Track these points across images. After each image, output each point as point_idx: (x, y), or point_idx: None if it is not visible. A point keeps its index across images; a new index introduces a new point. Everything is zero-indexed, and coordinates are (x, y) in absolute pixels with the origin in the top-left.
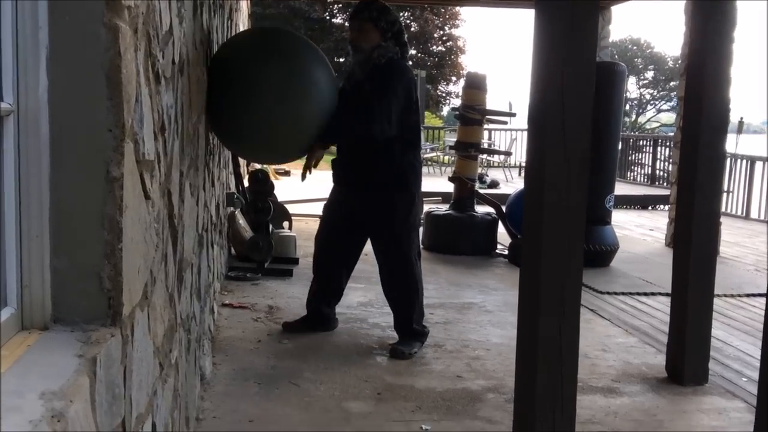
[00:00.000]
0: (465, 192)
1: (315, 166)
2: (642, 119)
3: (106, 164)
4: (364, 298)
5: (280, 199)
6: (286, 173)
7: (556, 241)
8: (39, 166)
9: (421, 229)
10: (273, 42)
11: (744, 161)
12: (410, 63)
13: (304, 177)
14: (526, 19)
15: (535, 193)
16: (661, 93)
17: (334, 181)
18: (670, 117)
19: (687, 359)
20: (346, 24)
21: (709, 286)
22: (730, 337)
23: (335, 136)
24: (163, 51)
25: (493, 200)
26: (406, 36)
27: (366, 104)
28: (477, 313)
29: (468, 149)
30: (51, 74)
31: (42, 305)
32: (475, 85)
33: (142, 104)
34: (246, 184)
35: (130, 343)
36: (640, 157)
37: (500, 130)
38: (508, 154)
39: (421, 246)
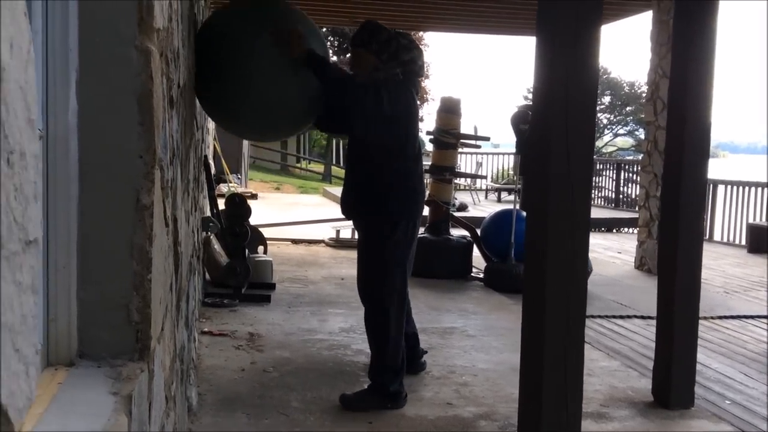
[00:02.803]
0: (440, 215)
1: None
2: (599, 143)
3: (136, 192)
4: (345, 324)
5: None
6: (254, 196)
7: (560, 262)
8: (67, 194)
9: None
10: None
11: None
12: (420, 78)
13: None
14: (488, 43)
15: (539, 215)
16: (618, 118)
17: None
18: (626, 141)
19: (673, 383)
20: None
21: (694, 310)
22: (709, 359)
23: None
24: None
25: (468, 223)
26: (410, 54)
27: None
28: (460, 338)
29: (443, 173)
30: (81, 98)
31: (68, 340)
32: (450, 110)
33: (166, 129)
34: (221, 207)
35: (153, 378)
36: (599, 180)
37: (468, 153)
38: (482, 177)
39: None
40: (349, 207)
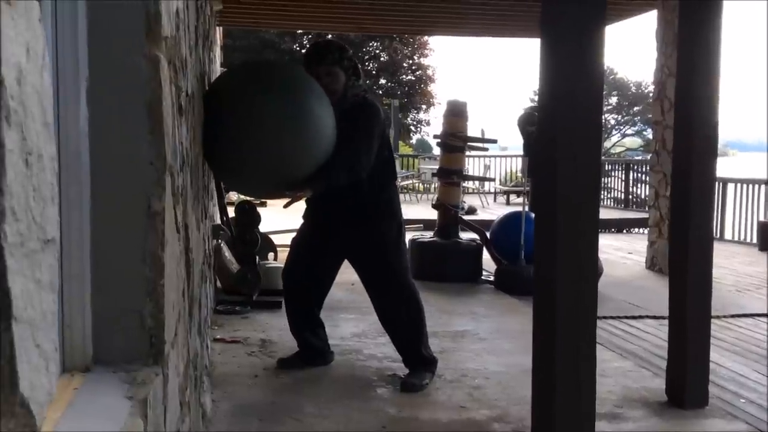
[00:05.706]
0: (449, 219)
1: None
2: (607, 144)
3: (147, 198)
4: (356, 329)
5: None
6: (263, 203)
7: (570, 264)
8: (79, 202)
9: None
10: (271, 77)
11: (716, 183)
12: (376, 89)
13: (287, 206)
14: (494, 46)
15: (548, 216)
16: (625, 118)
17: (309, 216)
18: (634, 141)
19: (687, 382)
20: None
21: (706, 309)
22: (722, 358)
23: (325, 185)
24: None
25: (477, 226)
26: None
27: (348, 148)
28: (471, 341)
29: (451, 176)
30: (91, 106)
31: (83, 346)
32: (457, 113)
33: (175, 137)
34: (231, 215)
35: (168, 383)
36: (608, 181)
37: (475, 156)
38: (491, 180)
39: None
40: (353, 214)
